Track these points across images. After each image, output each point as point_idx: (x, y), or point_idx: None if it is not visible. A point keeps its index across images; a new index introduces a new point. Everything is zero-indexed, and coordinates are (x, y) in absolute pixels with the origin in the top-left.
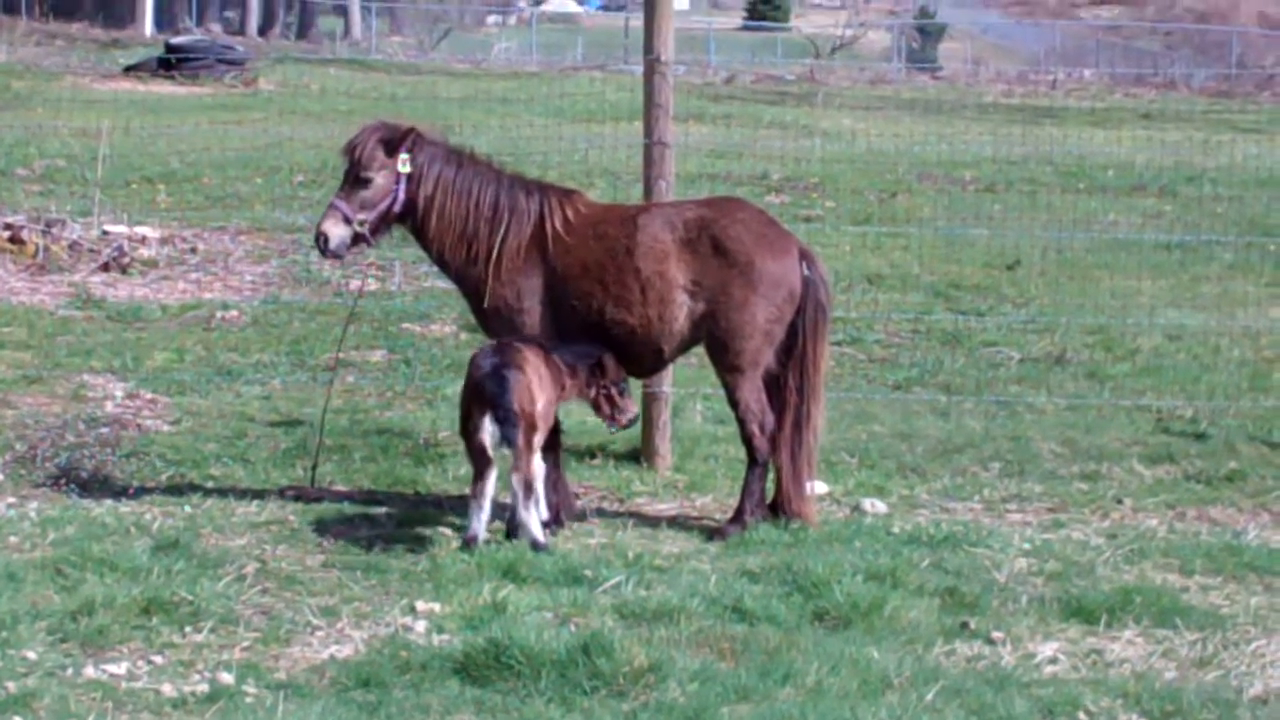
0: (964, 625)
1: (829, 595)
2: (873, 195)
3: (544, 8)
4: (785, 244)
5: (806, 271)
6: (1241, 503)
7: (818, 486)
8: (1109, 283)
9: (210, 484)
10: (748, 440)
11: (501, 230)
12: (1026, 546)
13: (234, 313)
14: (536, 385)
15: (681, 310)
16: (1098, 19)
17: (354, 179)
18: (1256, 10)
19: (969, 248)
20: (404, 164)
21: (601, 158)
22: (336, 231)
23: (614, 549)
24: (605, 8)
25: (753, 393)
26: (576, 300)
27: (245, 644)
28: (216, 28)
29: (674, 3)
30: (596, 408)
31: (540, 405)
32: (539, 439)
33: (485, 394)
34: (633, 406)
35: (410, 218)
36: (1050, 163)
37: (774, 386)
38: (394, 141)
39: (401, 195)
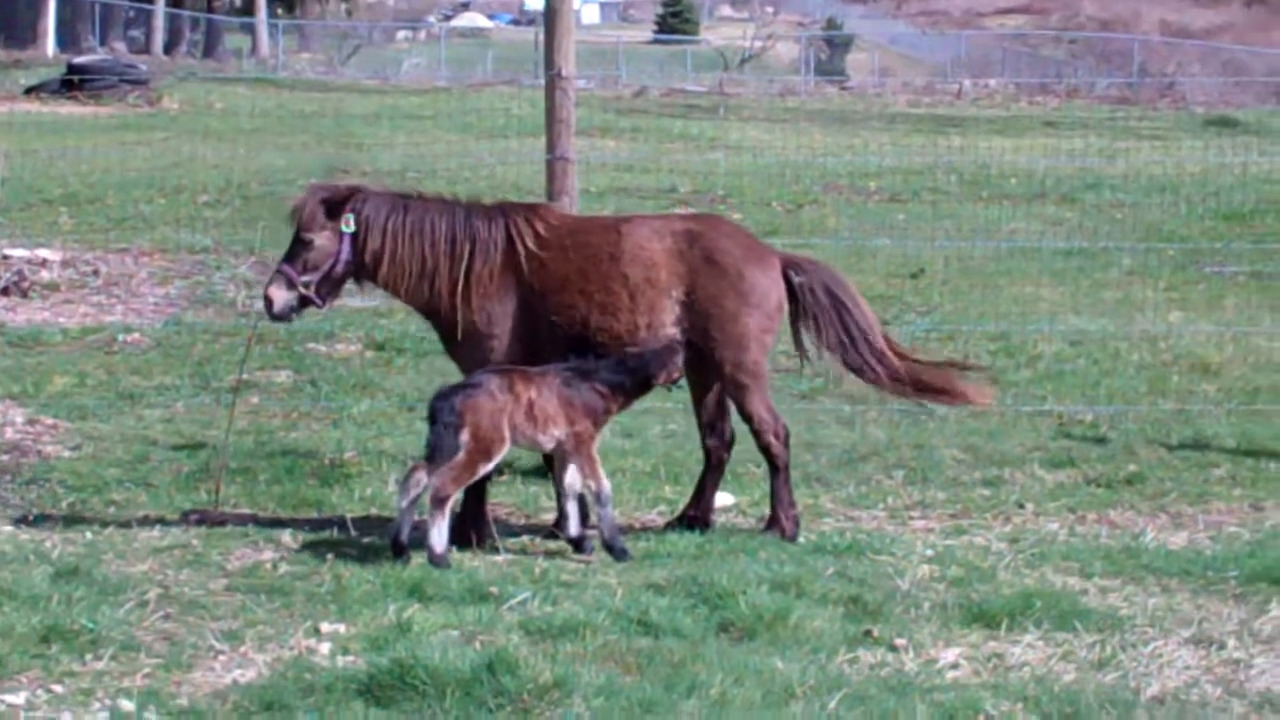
0: (867, 633)
1: (734, 606)
2: (779, 207)
3: (454, 23)
4: (770, 258)
5: (798, 278)
6: (1140, 505)
7: (723, 498)
8: (1011, 290)
9: (112, 509)
10: (765, 449)
11: (464, 261)
12: (929, 553)
13: (136, 335)
14: (515, 415)
15: (670, 318)
16: (1003, 28)
17: (297, 241)
18: (1158, 18)
19: (873, 258)
20: (347, 224)
21: (508, 173)
22: (280, 295)
23: (520, 565)
24: (515, 22)
25: (762, 403)
26: (557, 314)
27: (146, 670)
28: (121, 46)
29: (581, 16)
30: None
31: (560, 433)
32: (486, 467)
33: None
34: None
35: (362, 273)
36: (955, 172)
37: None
38: (336, 202)
39: (345, 255)
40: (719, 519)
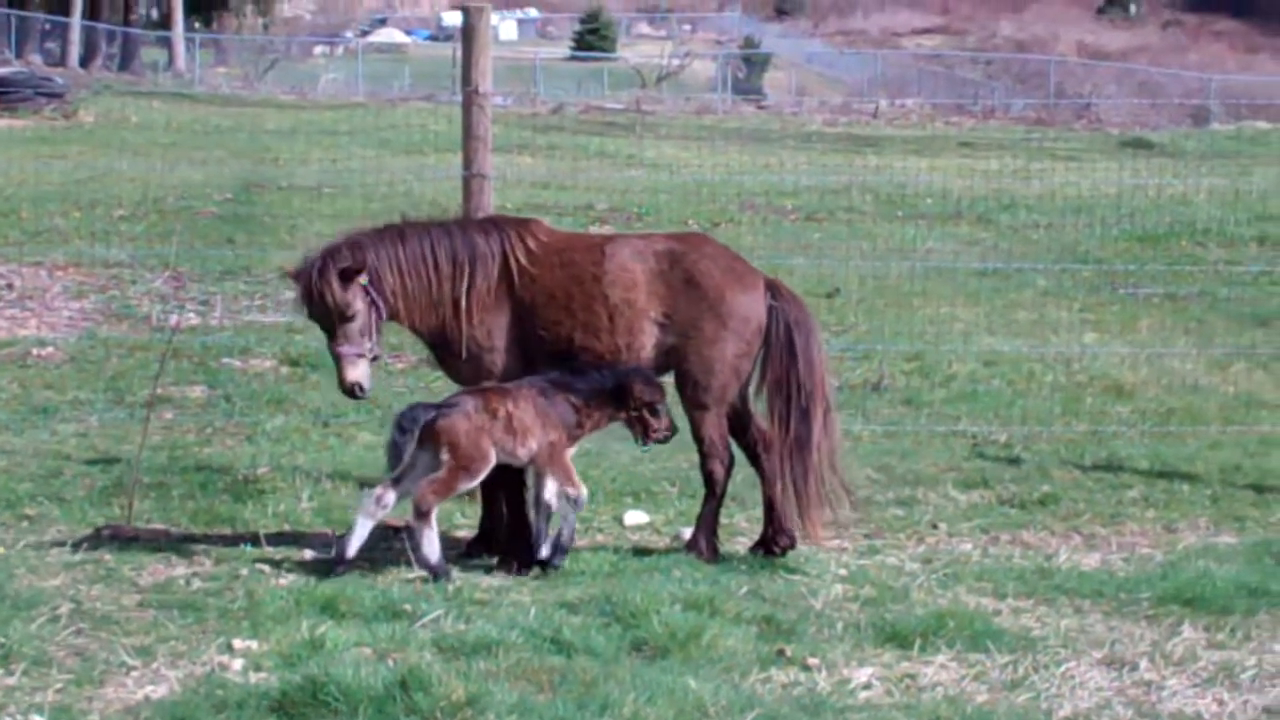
0: (780, 652)
1: (647, 625)
2: (695, 225)
3: (371, 38)
4: (753, 279)
5: (772, 301)
6: (1054, 526)
7: (638, 516)
8: (926, 310)
9: (25, 524)
10: (708, 475)
11: (466, 279)
12: (843, 572)
13: (50, 350)
14: (494, 431)
15: (650, 340)
16: (920, 48)
17: (340, 319)
18: (1075, 40)
19: (789, 276)
20: (364, 278)
21: (426, 190)
22: (363, 374)
23: (434, 583)
24: (433, 38)
25: (717, 429)
26: (544, 329)
27: (58, 686)
28: (36, 59)
29: (499, 33)
30: (630, 428)
31: (535, 445)
32: (468, 483)
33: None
34: (665, 423)
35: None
36: (871, 191)
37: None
38: (348, 269)
39: (381, 303)
40: (633, 537)
